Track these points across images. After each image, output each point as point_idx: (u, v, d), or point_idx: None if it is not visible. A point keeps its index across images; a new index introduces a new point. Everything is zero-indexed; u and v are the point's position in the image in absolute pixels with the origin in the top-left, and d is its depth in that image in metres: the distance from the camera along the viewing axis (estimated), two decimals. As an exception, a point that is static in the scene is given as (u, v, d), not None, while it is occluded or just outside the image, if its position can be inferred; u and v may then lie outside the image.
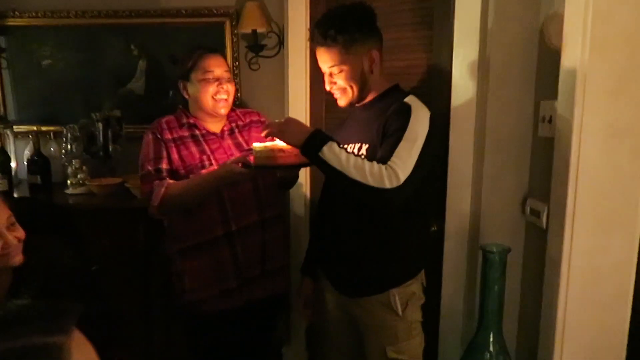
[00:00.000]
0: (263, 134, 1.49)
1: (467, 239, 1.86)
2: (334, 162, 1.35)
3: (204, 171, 1.70)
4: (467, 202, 1.84)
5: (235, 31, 2.55)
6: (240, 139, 1.84)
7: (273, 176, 1.80)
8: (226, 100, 1.77)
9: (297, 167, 1.60)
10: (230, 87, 1.77)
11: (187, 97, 1.80)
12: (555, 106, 1.57)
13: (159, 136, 1.74)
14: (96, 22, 2.60)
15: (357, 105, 1.61)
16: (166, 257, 1.84)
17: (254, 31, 2.45)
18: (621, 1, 1.40)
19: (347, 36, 1.47)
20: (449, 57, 1.85)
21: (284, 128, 1.45)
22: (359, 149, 1.52)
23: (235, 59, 2.58)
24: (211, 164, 1.72)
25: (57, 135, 2.59)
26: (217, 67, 1.75)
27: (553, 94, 1.61)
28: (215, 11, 2.55)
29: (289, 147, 1.45)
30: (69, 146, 2.45)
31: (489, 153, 1.82)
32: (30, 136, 2.54)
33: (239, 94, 2.61)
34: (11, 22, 2.59)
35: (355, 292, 1.57)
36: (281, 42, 2.48)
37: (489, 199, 1.84)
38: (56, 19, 2.58)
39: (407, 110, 1.44)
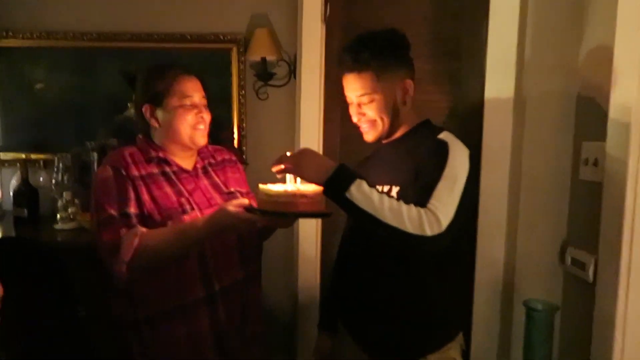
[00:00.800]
0: (274, 169, 1.29)
1: (501, 291, 1.69)
2: (364, 205, 1.18)
3: (186, 217, 1.40)
4: (501, 249, 1.68)
5: (243, 58, 2.42)
6: (216, 179, 1.57)
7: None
8: (204, 130, 1.50)
9: (321, 216, 1.37)
10: (207, 117, 1.51)
11: (155, 125, 1.49)
12: (604, 148, 1.43)
13: (124, 172, 1.41)
14: (93, 45, 2.45)
15: (384, 141, 1.46)
16: (122, 326, 1.47)
17: (263, 59, 2.32)
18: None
19: (381, 61, 1.33)
20: (480, 91, 1.71)
21: (300, 162, 1.26)
22: (389, 191, 1.35)
23: (241, 87, 2.44)
24: (192, 209, 1.43)
25: (48, 164, 2.42)
26: (196, 92, 1.49)
27: (596, 135, 1.48)
28: (222, 37, 2.41)
29: (312, 191, 1.27)
30: (60, 176, 2.27)
31: (524, 196, 1.67)
32: (18, 164, 2.38)
33: (244, 125, 2.46)
34: (3, 43, 2.43)
35: (385, 354, 1.38)
36: (292, 71, 2.34)
37: (524, 246, 1.68)
38: (51, 40, 2.43)
39: (443, 148, 1.29)
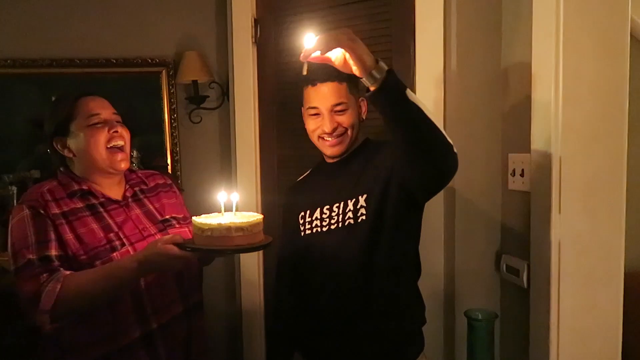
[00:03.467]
0: (319, 49, 1.06)
1: (443, 302, 1.72)
2: (421, 105, 1.08)
3: (115, 255, 1.30)
4: (441, 261, 1.72)
5: (173, 82, 2.36)
6: (150, 206, 1.48)
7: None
8: (123, 149, 1.41)
9: (260, 248, 1.28)
10: (125, 133, 1.41)
11: (70, 155, 1.39)
12: (528, 159, 1.51)
13: (42, 211, 1.29)
14: (9, 71, 2.32)
15: (329, 161, 1.46)
16: None
17: (195, 82, 2.28)
18: (588, 54, 1.38)
19: (353, 75, 1.33)
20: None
21: (353, 37, 1.07)
22: (355, 203, 1.35)
23: (173, 111, 2.39)
24: (123, 244, 1.33)
25: (-41, 202, 2.21)
26: (103, 109, 1.40)
27: (521, 147, 1.56)
28: (150, 60, 2.35)
29: (248, 223, 1.21)
30: (-26, 214, 2.09)
31: (459, 208, 1.73)
32: None
33: (178, 149, 2.39)
34: None
35: None
36: (225, 94, 2.31)
37: (462, 257, 1.73)
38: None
39: None
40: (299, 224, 1.47)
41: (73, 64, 2.33)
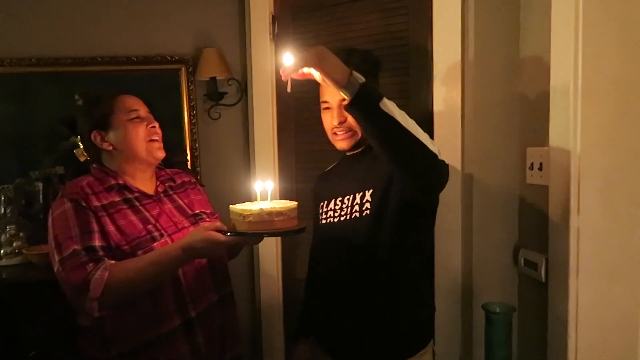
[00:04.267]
0: (293, 75, 1.10)
1: (461, 296, 1.73)
2: (398, 117, 1.07)
3: (156, 245, 1.36)
4: (458, 256, 1.72)
5: (192, 79, 2.40)
6: (180, 201, 1.54)
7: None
8: (159, 143, 1.49)
9: (296, 232, 1.31)
10: (159, 130, 1.50)
11: (109, 148, 1.45)
12: (547, 152, 1.51)
13: (84, 203, 1.33)
14: (34, 70, 2.37)
15: (348, 154, 1.49)
16: None
17: (213, 79, 2.31)
18: (609, 45, 1.36)
19: (366, 69, 1.32)
20: (429, 103, 1.77)
21: (323, 55, 1.08)
22: (362, 197, 1.38)
23: (192, 107, 2.42)
24: (162, 235, 1.39)
25: (-12, 197, 2.28)
26: (140, 107, 1.48)
27: (540, 140, 1.56)
28: (169, 58, 2.39)
29: (287, 207, 1.26)
30: (2, 209, 2.16)
31: (476, 203, 1.73)
32: (-45, 199, 2.23)
33: (197, 145, 2.42)
34: None
35: None
36: (243, 90, 2.34)
37: (479, 251, 1.73)
38: (-13, 67, 2.33)
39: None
40: (319, 212, 1.53)
41: (94, 62, 2.37)
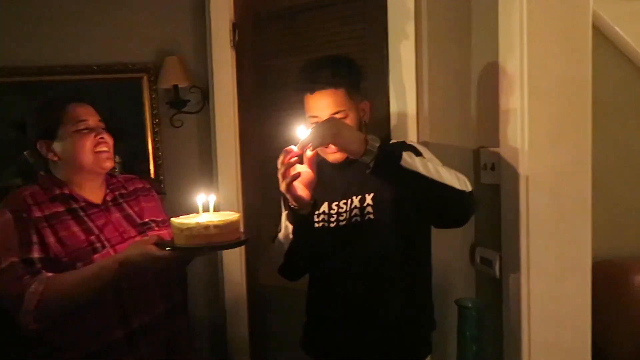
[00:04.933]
0: (310, 146, 1.16)
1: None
2: (420, 168, 1.14)
3: (97, 257, 1.33)
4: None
5: (154, 87, 2.39)
6: (129, 210, 1.51)
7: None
8: (108, 153, 1.45)
9: (237, 245, 1.31)
10: (109, 139, 1.46)
11: (54, 159, 1.42)
12: (499, 153, 1.55)
13: (24, 215, 1.31)
14: (-8, 80, 2.32)
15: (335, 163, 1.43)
16: None
17: (175, 86, 2.31)
18: (554, 48, 1.42)
19: (351, 80, 1.34)
20: (386, 107, 1.81)
21: (340, 130, 1.15)
22: (362, 201, 1.37)
23: (154, 116, 2.42)
24: (104, 246, 1.36)
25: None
26: (90, 116, 1.44)
27: (493, 141, 1.60)
28: (131, 66, 2.38)
29: (225, 221, 1.24)
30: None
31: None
32: None
33: (160, 153, 2.42)
34: None
35: None
36: (205, 98, 2.35)
37: (438, 250, 1.76)
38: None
39: (410, 145, 1.37)
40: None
41: (54, 71, 2.35)
